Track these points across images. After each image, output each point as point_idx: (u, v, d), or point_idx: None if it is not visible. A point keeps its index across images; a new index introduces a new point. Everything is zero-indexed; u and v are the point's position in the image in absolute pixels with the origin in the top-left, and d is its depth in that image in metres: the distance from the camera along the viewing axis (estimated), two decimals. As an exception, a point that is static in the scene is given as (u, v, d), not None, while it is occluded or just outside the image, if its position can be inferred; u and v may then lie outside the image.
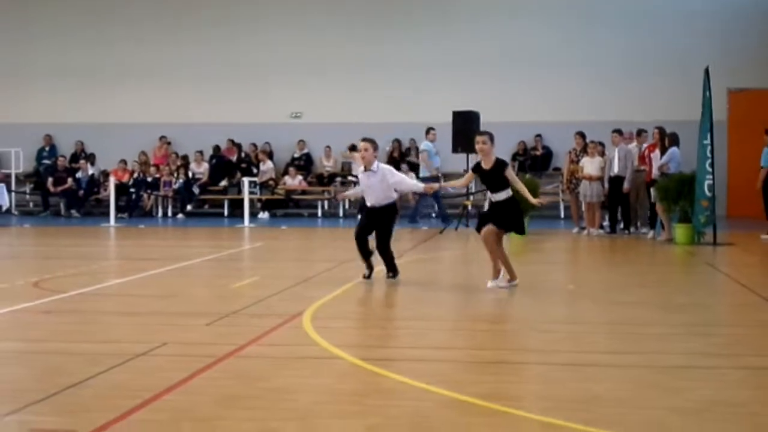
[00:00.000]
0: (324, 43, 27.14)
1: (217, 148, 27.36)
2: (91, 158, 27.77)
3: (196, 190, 26.66)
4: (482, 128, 21.47)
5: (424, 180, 21.13)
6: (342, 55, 27.12)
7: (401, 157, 26.66)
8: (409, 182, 12.46)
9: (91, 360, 6.82)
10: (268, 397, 5.89)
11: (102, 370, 6.49)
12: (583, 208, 20.15)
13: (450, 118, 21.20)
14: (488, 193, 11.28)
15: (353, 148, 26.74)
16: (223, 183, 26.85)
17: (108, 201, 24.17)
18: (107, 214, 23.63)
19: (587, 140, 20.34)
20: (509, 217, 10.86)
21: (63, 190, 27.01)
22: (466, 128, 21.08)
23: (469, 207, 21.47)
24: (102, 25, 28.03)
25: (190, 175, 26.69)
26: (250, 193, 24.12)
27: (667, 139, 18.45)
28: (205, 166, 27.01)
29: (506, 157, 25.56)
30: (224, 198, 26.78)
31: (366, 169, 11.73)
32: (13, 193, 26.56)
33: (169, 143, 27.82)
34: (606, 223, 20.11)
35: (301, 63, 27.18)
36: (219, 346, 7.36)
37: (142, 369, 6.64)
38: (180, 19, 27.86)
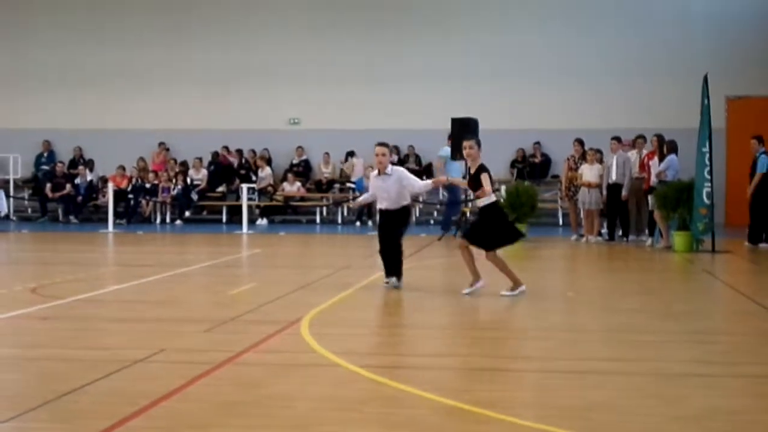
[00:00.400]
0: (323, 50, 27.14)
1: (215, 155, 27.35)
2: (89, 164, 27.76)
3: (194, 196, 26.64)
4: (481, 135, 21.64)
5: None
6: (341, 62, 27.12)
7: (400, 164, 26.62)
8: (420, 183, 12.41)
9: (89, 366, 6.81)
10: (265, 404, 5.88)
11: (100, 376, 6.48)
12: (582, 215, 20.15)
13: (448, 125, 21.18)
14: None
15: (351, 154, 26.79)
16: (221, 189, 26.82)
17: (106, 207, 24.14)
18: (105, 220, 23.61)
19: (586, 147, 20.35)
20: (486, 229, 10.87)
21: (61, 195, 26.98)
22: (464, 135, 21.05)
23: (468, 214, 21.44)
24: (101, 32, 28.01)
25: (188, 181, 26.67)
26: (249, 199, 24.10)
27: (665, 147, 18.46)
28: (204, 172, 27.00)
29: (505, 164, 25.90)
30: (222, 204, 26.76)
31: (380, 173, 11.71)
32: (11, 199, 26.54)
33: (167, 150, 27.81)
34: (604, 230, 20.10)
35: (299, 70, 27.17)
36: (217, 352, 7.35)
37: (139, 375, 6.64)
38: (179, 26, 27.86)
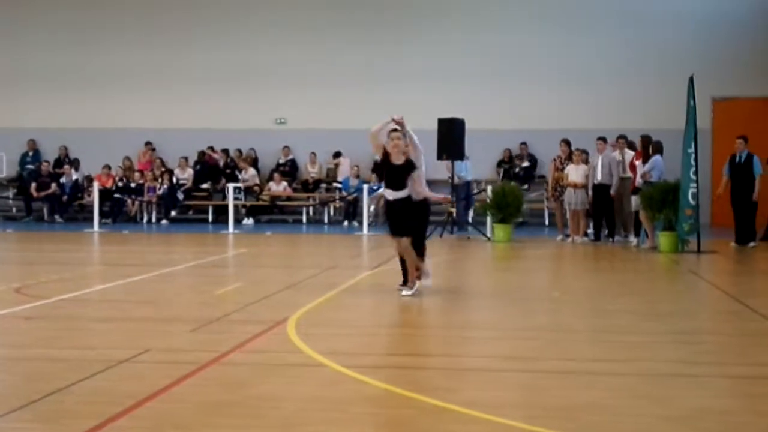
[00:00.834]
0: (309, 49, 27.10)
1: (201, 154, 27.28)
2: (74, 163, 27.65)
3: (180, 195, 26.57)
4: (468, 135, 21.67)
5: (465, 185, 21.21)
6: (327, 62, 27.09)
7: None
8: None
9: (74, 366, 6.77)
10: (251, 404, 5.85)
11: (84, 376, 6.45)
12: (568, 215, 20.18)
13: (435, 125, 21.18)
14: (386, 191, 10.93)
15: (338, 154, 26.75)
16: (205, 186, 26.73)
17: (92, 206, 24.05)
18: (91, 220, 23.51)
19: (572, 148, 20.37)
20: (405, 220, 10.73)
21: (46, 195, 26.88)
22: (451, 135, 21.09)
23: (454, 214, 21.45)
24: (87, 31, 27.91)
25: (174, 180, 26.60)
26: (235, 199, 24.05)
27: (651, 147, 18.49)
28: (190, 171, 26.93)
29: (491, 165, 25.93)
30: (209, 204, 26.70)
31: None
32: (-5, 198, 26.45)
33: (153, 149, 27.72)
34: (590, 230, 20.13)
35: (286, 69, 27.13)
36: (203, 352, 7.32)
37: (124, 375, 6.60)
38: (165, 25, 27.77)
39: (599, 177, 19.38)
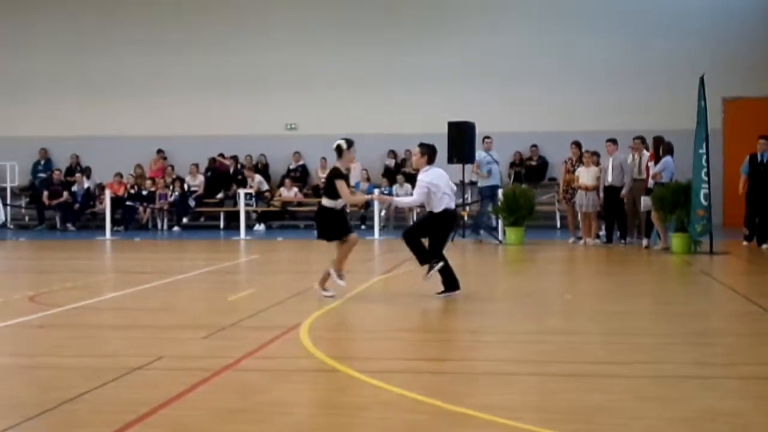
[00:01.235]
0: (319, 55, 27.14)
1: (212, 161, 27.34)
2: (86, 171, 27.74)
3: (191, 202, 26.63)
4: (478, 138, 21.63)
5: (487, 189, 21.06)
6: (337, 67, 27.13)
7: (397, 168, 26.67)
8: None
9: (87, 374, 6.79)
10: (264, 410, 5.86)
11: (98, 384, 6.47)
12: (579, 218, 20.15)
13: (445, 129, 21.17)
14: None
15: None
16: (219, 195, 26.81)
17: (103, 214, 24.10)
18: (103, 228, 23.56)
19: (583, 150, 20.33)
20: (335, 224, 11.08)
21: (58, 203, 26.97)
22: (461, 139, 21.07)
23: (465, 217, 21.44)
24: (97, 39, 28.01)
25: (185, 187, 26.66)
26: (246, 205, 24.08)
27: (661, 149, 18.45)
28: (201, 178, 26.99)
29: (502, 168, 25.91)
30: (220, 210, 26.75)
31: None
32: (8, 207, 26.49)
33: (165, 158, 27.79)
34: (602, 232, 20.09)
35: (296, 75, 27.18)
36: (215, 359, 7.34)
37: (138, 383, 6.62)
38: (175, 33, 27.84)
39: (610, 179, 19.33)
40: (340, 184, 10.91)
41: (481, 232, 21.05)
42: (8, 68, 28.30)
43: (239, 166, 27.20)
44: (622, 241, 19.50)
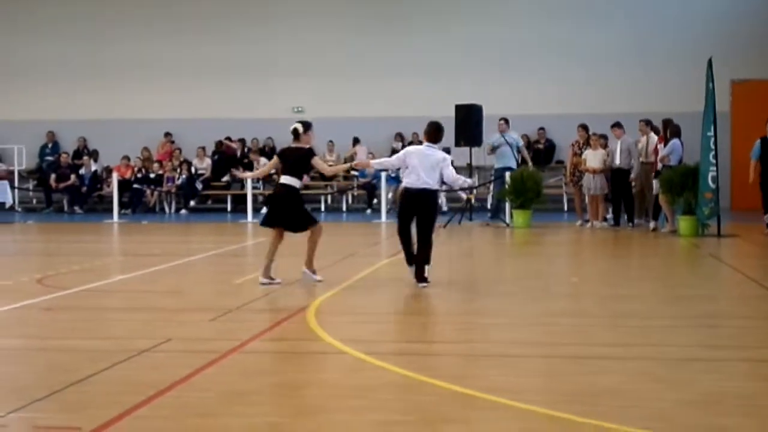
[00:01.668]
0: (326, 37, 27.09)
1: (219, 144, 27.34)
2: (93, 154, 27.75)
3: (198, 185, 26.64)
4: (485, 121, 21.58)
5: (497, 171, 20.93)
6: (344, 50, 27.07)
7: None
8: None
9: (95, 356, 6.81)
10: (272, 392, 5.88)
11: (106, 366, 6.49)
12: (587, 200, 20.12)
13: (453, 112, 21.14)
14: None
15: (356, 141, 26.73)
16: (226, 178, 26.80)
17: (111, 197, 24.13)
18: (110, 211, 23.60)
19: (590, 133, 20.28)
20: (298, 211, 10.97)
21: (66, 186, 26.99)
22: (468, 122, 21.05)
23: (473, 200, 21.42)
24: (104, 22, 27.98)
25: (192, 170, 26.67)
26: (254, 188, 24.07)
27: (669, 131, 18.38)
28: (208, 161, 26.99)
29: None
30: (227, 193, 26.76)
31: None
32: (16, 190, 26.50)
33: (172, 142, 27.79)
34: (609, 215, 20.05)
35: (303, 58, 27.13)
36: (223, 341, 7.35)
37: (146, 365, 6.64)
38: (182, 15, 27.79)
39: (617, 162, 19.29)
40: (317, 161, 10.93)
41: (500, 215, 20.84)
42: (15, 52, 28.26)
43: (246, 149, 27.19)
44: (630, 223, 19.48)
